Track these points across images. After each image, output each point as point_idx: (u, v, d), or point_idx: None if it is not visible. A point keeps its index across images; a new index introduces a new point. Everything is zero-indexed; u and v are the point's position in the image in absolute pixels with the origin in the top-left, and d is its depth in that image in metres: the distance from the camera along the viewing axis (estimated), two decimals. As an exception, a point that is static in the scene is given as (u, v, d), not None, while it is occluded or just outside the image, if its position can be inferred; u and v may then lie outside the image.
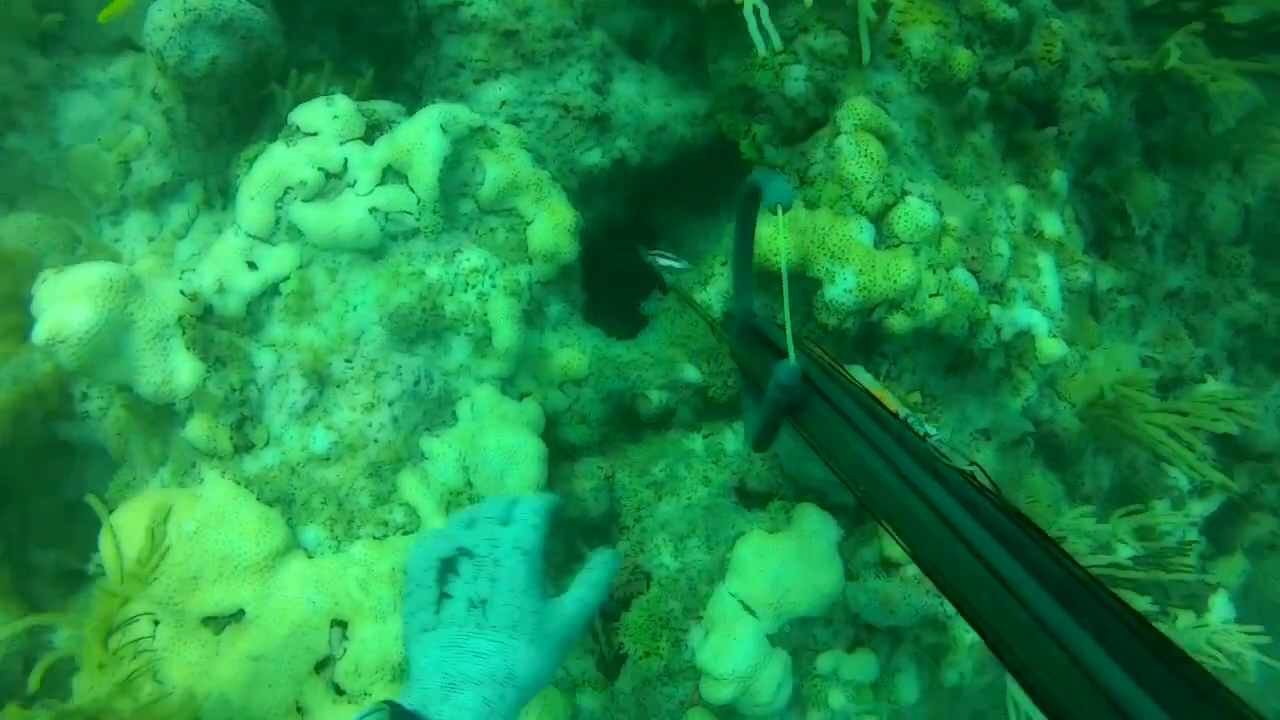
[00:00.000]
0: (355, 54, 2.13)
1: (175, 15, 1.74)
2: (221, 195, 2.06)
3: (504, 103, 2.08)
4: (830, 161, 1.75)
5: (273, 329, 1.62)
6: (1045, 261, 2.02)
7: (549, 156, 2.02)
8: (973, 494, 0.88)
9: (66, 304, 1.41)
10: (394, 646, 1.41)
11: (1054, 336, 1.94)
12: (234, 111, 1.93)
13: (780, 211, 1.09)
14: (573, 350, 1.76)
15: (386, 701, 0.88)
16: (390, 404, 1.54)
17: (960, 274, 1.78)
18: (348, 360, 1.57)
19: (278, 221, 1.69)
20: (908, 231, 1.69)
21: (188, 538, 1.40)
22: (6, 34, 2.01)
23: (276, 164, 1.70)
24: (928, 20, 1.99)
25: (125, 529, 1.44)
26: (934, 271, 1.72)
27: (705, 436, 1.84)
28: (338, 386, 1.56)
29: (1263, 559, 2.51)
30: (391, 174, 1.70)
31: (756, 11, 1.70)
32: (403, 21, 2.12)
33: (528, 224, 1.76)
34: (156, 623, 1.39)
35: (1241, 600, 2.26)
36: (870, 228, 1.69)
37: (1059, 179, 2.07)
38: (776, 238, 1.66)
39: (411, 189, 1.67)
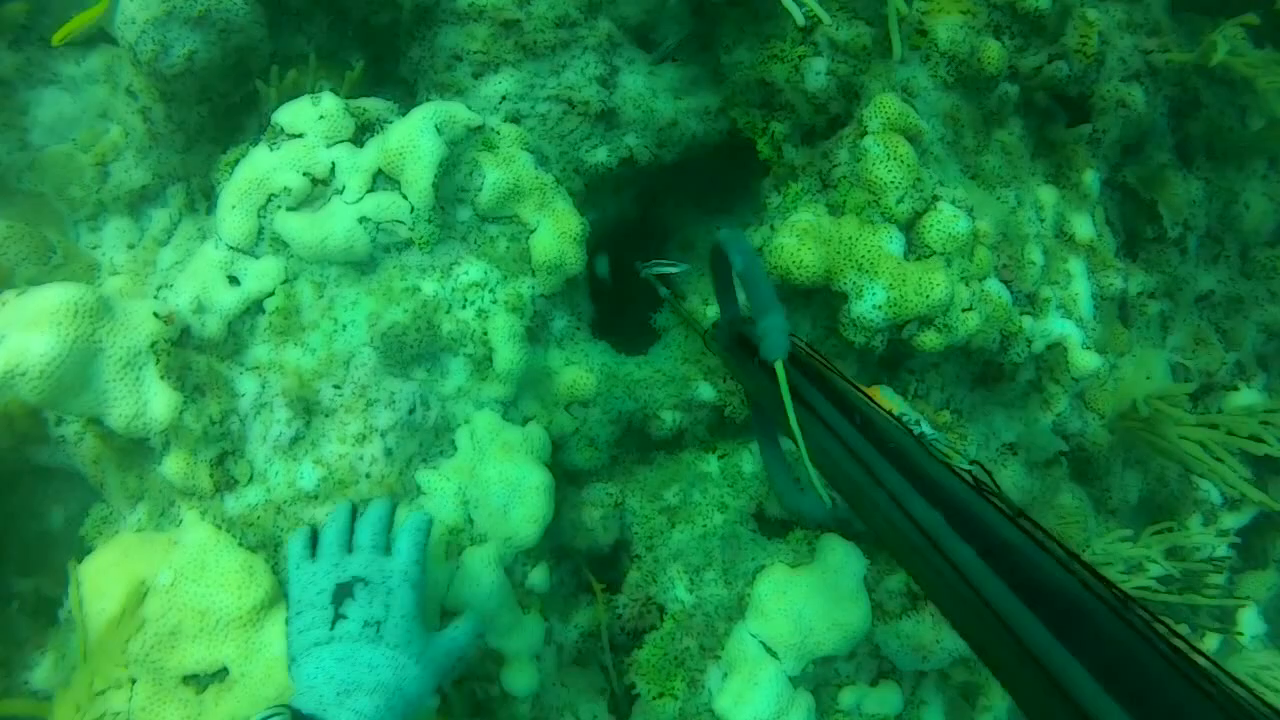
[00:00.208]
0: (345, 45, 1.94)
1: (147, 7, 1.55)
2: (205, 198, 1.89)
3: (504, 97, 1.89)
4: (856, 164, 1.58)
5: (256, 350, 1.45)
6: (1077, 267, 1.86)
7: (552, 156, 1.85)
8: (967, 503, 0.84)
9: (26, 332, 1.24)
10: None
11: (1087, 348, 1.78)
12: (215, 110, 1.75)
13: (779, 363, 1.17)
14: (579, 368, 1.59)
15: (285, 706, 0.99)
16: (383, 435, 1.38)
17: (993, 285, 1.62)
18: (336, 387, 1.41)
19: (260, 232, 1.52)
20: (940, 241, 1.52)
21: (164, 590, 1.24)
22: (-32, 26, 1.82)
23: (259, 169, 1.53)
24: (955, 9, 1.80)
25: (96, 581, 1.28)
26: (967, 284, 1.55)
27: (721, 457, 1.68)
28: (326, 416, 1.39)
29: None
30: (383, 179, 1.52)
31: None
32: (396, 10, 1.92)
33: (530, 232, 1.59)
34: (133, 681, 1.24)
35: (1274, 615, 2.13)
36: (900, 237, 1.53)
37: (1091, 179, 1.90)
38: (800, 250, 1.49)
39: (404, 196, 1.50)
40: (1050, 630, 0.68)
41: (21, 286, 1.44)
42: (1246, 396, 2.08)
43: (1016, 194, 1.83)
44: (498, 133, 1.65)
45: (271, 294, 1.49)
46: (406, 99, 2.02)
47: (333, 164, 1.53)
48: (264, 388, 1.41)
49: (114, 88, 1.89)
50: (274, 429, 1.37)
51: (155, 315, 1.37)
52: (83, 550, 1.48)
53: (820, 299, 1.59)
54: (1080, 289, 1.84)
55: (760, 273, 1.25)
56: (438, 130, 1.53)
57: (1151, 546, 1.78)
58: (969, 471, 0.89)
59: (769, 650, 1.44)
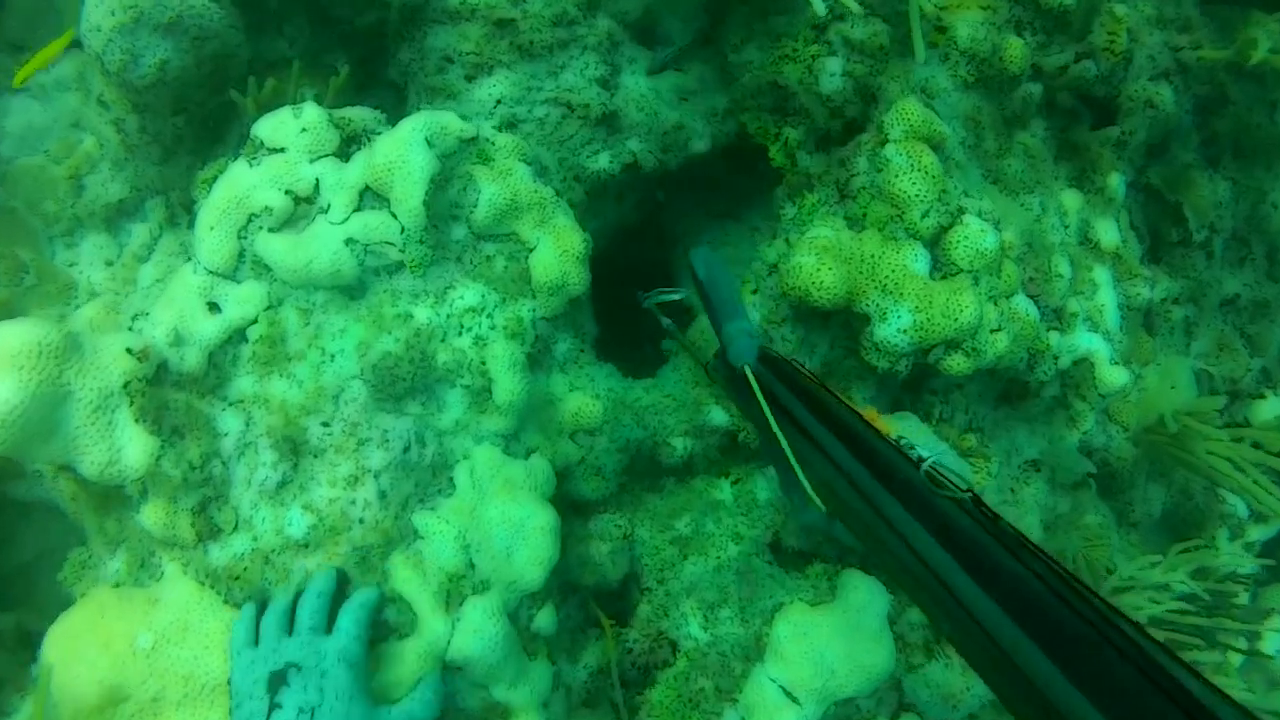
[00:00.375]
0: (329, 48, 1.80)
1: (113, 14, 1.41)
2: (186, 212, 1.75)
3: (499, 101, 1.75)
4: (877, 174, 1.45)
5: (239, 383, 1.33)
6: (1102, 276, 1.74)
7: (551, 164, 1.71)
8: (961, 532, 0.81)
9: (-15, 376, 1.12)
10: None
11: (1115, 364, 1.66)
12: (192, 121, 1.61)
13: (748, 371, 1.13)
14: (584, 394, 1.48)
15: None
16: (376, 476, 1.27)
17: (1021, 302, 1.50)
18: (325, 424, 1.29)
19: (242, 255, 1.39)
20: (967, 258, 1.40)
21: (145, 655, 1.13)
22: (-73, 31, 1.68)
23: (238, 187, 1.40)
24: (975, 5, 1.67)
25: (69, 645, 1.16)
26: (995, 303, 1.43)
27: (734, 483, 1.57)
28: (315, 457, 1.28)
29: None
30: (370, 197, 1.39)
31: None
32: (383, 9, 1.78)
33: (529, 251, 1.47)
34: (110, 749, 1.13)
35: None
36: (925, 254, 1.40)
37: (1117, 182, 1.78)
38: (820, 270, 1.37)
39: (394, 215, 1.37)
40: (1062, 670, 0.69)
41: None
42: (1273, 406, 1.98)
43: (1040, 200, 1.70)
44: (493, 144, 1.52)
45: (254, 321, 1.37)
46: (395, 104, 1.88)
47: (316, 181, 1.40)
48: (248, 426, 1.29)
49: (86, 95, 1.75)
50: (259, 472, 1.25)
51: (129, 351, 1.24)
52: (60, 597, 1.37)
53: (839, 317, 1.47)
54: (1106, 299, 1.73)
55: (723, 280, 1.22)
56: (428, 143, 1.40)
57: (1177, 568, 1.68)
58: (964, 500, 0.86)
59: (789, 695, 1.34)
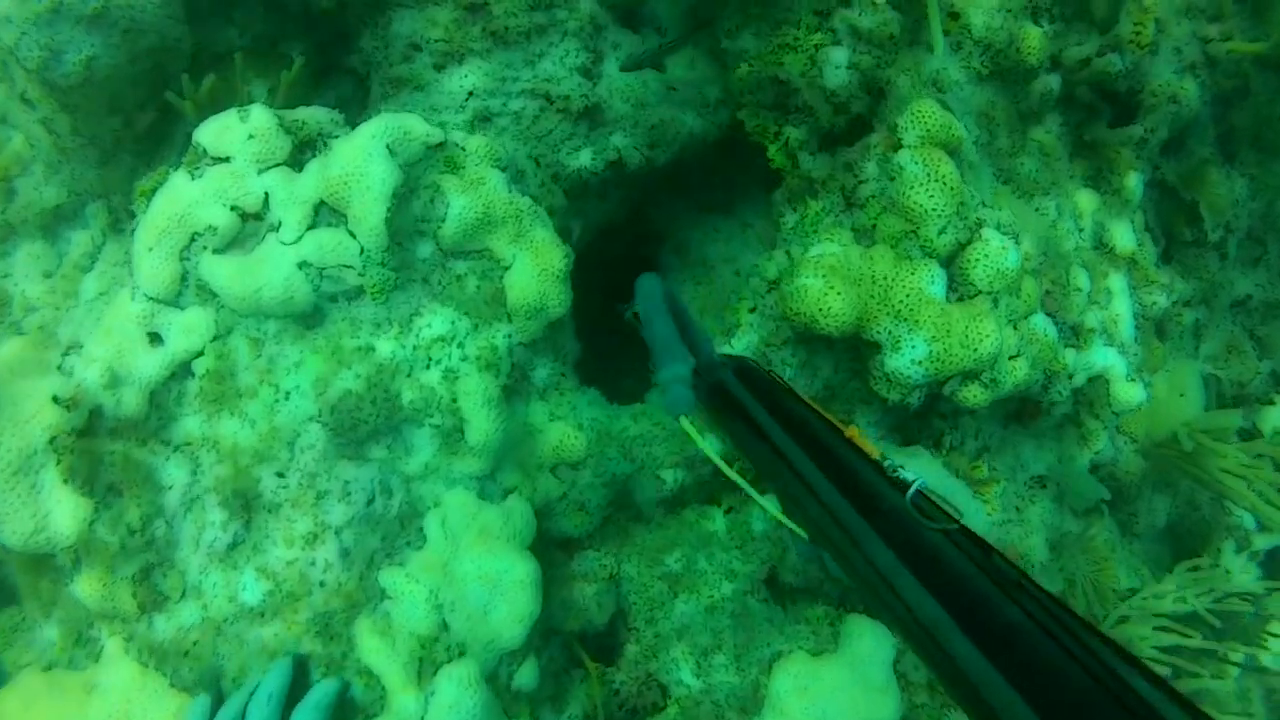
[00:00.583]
0: (285, 35, 1.59)
1: (25, 2, 1.21)
2: (131, 217, 1.56)
3: (471, 93, 1.56)
4: (889, 183, 1.29)
5: (185, 423, 1.17)
6: (1118, 283, 1.60)
7: (527, 166, 1.53)
8: (951, 575, 0.73)
9: (-121, 437, 0.95)
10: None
11: (1131, 380, 1.53)
12: (130, 123, 1.42)
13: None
14: (567, 424, 1.32)
15: None
16: (338, 532, 1.12)
17: (1039, 321, 1.35)
18: (280, 474, 1.13)
19: (185, 278, 1.22)
20: (987, 278, 1.25)
21: (74, 751, 0.99)
22: None
23: (178, 203, 1.21)
24: (990, -12, 1.49)
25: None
26: (1014, 326, 1.29)
27: (727, 512, 1.43)
28: (269, 512, 1.12)
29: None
30: (326, 212, 1.22)
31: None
32: (342, -9, 1.58)
33: (505, 269, 1.30)
34: None
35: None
36: (942, 274, 1.25)
37: (1135, 182, 1.62)
38: (827, 295, 1.21)
39: (352, 234, 1.20)
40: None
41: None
42: (1284, 412, 1.86)
43: (1055, 203, 1.55)
44: (463, 149, 1.34)
45: (201, 353, 1.20)
46: (357, 95, 1.69)
47: (266, 194, 1.22)
48: (195, 476, 1.13)
49: (11, 86, 1.54)
50: (208, 532, 1.10)
51: (56, 400, 1.08)
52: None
53: (846, 345, 1.32)
54: (1121, 309, 1.58)
55: (663, 316, 1.07)
56: (390, 151, 1.22)
57: (1187, 593, 1.58)
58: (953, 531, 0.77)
59: (789, 753, 1.23)
